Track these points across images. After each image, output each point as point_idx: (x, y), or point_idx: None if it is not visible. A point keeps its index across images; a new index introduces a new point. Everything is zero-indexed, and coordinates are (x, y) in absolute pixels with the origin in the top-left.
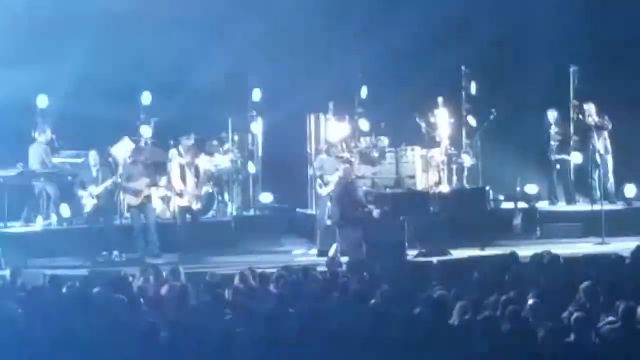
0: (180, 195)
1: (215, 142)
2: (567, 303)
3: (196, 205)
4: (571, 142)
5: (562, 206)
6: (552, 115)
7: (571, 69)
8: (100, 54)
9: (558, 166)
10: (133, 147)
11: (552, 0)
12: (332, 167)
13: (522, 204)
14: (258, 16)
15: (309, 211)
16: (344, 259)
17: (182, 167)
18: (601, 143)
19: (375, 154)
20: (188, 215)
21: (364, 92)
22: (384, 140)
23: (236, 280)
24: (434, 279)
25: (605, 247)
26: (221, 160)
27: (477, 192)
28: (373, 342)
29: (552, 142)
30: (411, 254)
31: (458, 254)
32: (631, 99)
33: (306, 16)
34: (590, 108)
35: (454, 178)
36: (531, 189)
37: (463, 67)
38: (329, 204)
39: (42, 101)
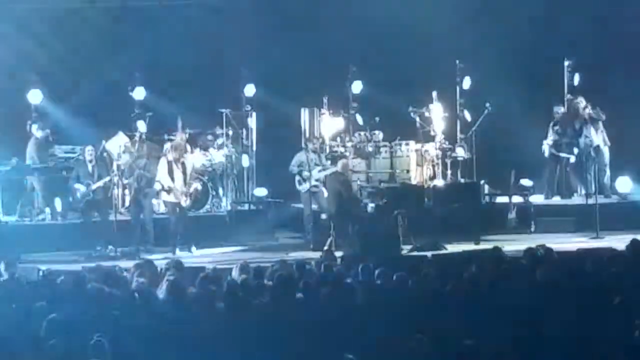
0: (168, 191)
1: (209, 137)
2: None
3: (184, 202)
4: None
5: (556, 200)
6: (557, 111)
7: (566, 63)
8: (96, 50)
9: (552, 162)
10: (127, 141)
11: None
12: (312, 163)
13: (516, 199)
14: (252, 10)
15: (303, 206)
16: (339, 254)
17: (169, 164)
18: (599, 136)
19: (370, 149)
20: (177, 210)
21: (357, 86)
22: (379, 135)
23: (231, 274)
24: (429, 273)
25: (600, 242)
26: (215, 155)
27: (472, 187)
28: (364, 334)
29: (550, 138)
30: (406, 248)
31: (452, 248)
32: (623, 91)
33: (299, 10)
34: (581, 101)
35: (449, 172)
36: (526, 183)
37: (457, 62)
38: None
39: (35, 97)
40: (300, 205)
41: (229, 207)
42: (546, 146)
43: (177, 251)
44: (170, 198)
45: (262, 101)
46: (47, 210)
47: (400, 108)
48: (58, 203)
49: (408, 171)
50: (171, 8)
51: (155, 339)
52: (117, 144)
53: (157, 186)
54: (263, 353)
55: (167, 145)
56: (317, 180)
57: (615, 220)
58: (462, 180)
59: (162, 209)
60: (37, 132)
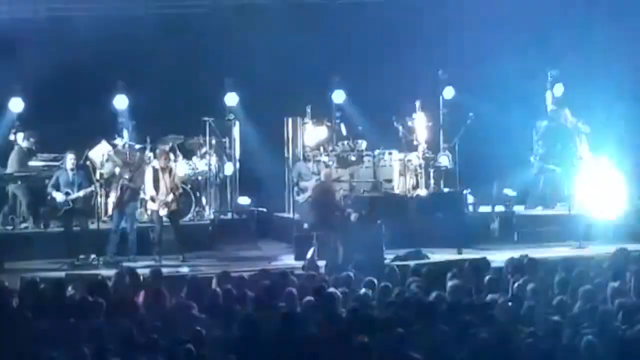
0: (153, 200)
1: (192, 146)
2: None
3: (163, 212)
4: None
5: (539, 210)
6: (541, 125)
7: (549, 73)
8: (79, 55)
9: (539, 174)
10: (110, 149)
11: (532, 2)
12: (309, 173)
13: (499, 208)
14: (236, 19)
15: (286, 215)
16: (321, 263)
17: (155, 172)
18: (583, 147)
19: (353, 158)
20: (164, 219)
21: (339, 96)
22: (362, 144)
23: (213, 283)
24: (412, 282)
25: (583, 251)
26: (198, 164)
27: (455, 196)
28: (348, 345)
29: (538, 150)
30: (388, 257)
31: (435, 257)
32: (608, 103)
33: (284, 20)
34: (567, 113)
35: (432, 182)
36: (509, 192)
37: (440, 72)
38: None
39: (16, 105)
40: (284, 215)
41: (212, 216)
42: (534, 159)
43: (161, 260)
44: (155, 207)
45: (245, 110)
46: (30, 218)
47: (384, 117)
48: (41, 211)
49: (391, 180)
50: (158, 16)
51: (138, 348)
52: (100, 152)
53: (143, 194)
54: None
55: (150, 154)
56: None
57: (598, 230)
58: (445, 190)
59: (145, 217)
60: (22, 141)
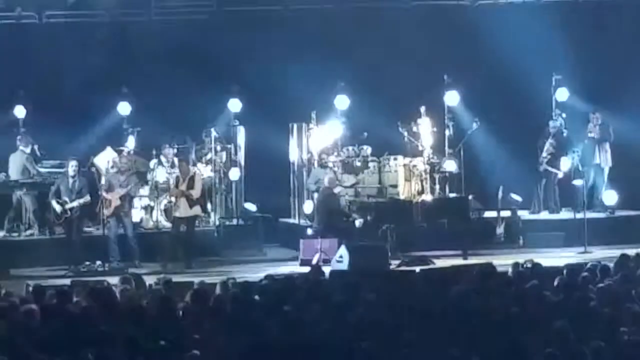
0: (173, 206)
1: (197, 153)
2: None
3: (181, 213)
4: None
5: (544, 215)
6: (553, 125)
7: (554, 78)
8: (84, 61)
9: (544, 179)
10: (115, 156)
11: (536, 9)
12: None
13: (504, 213)
14: (239, 25)
15: (291, 221)
16: (327, 269)
17: (177, 179)
18: (602, 154)
19: (358, 163)
20: (183, 225)
21: (342, 101)
22: (367, 150)
23: (218, 289)
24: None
25: (588, 256)
26: (204, 170)
27: (460, 201)
28: (356, 352)
29: (545, 154)
30: (394, 263)
31: (441, 263)
32: (613, 106)
33: (288, 25)
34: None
35: (437, 187)
36: (515, 197)
37: (445, 77)
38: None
39: (19, 111)
40: (289, 220)
41: (217, 222)
42: (543, 160)
43: (165, 266)
44: (174, 213)
45: (251, 116)
46: (36, 225)
47: (389, 123)
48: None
49: (396, 186)
50: (158, 23)
51: (144, 354)
52: (105, 159)
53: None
54: None
55: (155, 161)
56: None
57: (604, 234)
58: (450, 195)
59: (150, 224)
60: (26, 147)
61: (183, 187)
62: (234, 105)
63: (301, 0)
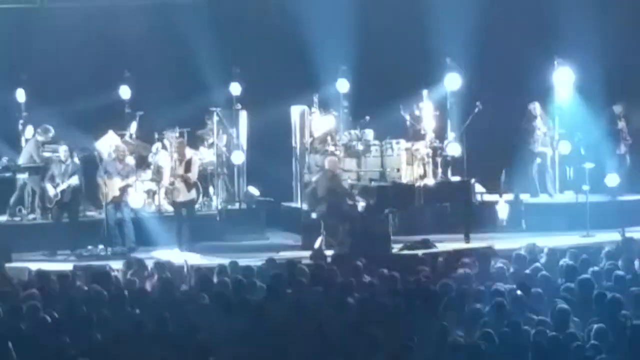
0: (172, 190)
1: (199, 136)
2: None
3: (180, 198)
4: (556, 135)
5: (547, 199)
6: (536, 108)
7: (556, 61)
8: (82, 46)
9: (539, 159)
10: (118, 140)
11: None
12: (313, 166)
13: (507, 197)
14: (242, 9)
15: (294, 205)
16: (329, 252)
17: (176, 162)
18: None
19: (360, 147)
20: (183, 209)
21: (343, 85)
22: (369, 134)
23: (220, 273)
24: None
25: (591, 239)
26: (206, 154)
27: (462, 185)
28: (357, 335)
29: (535, 134)
30: (396, 247)
31: (443, 246)
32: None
33: (289, 8)
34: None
35: (439, 171)
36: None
37: (448, 60)
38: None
39: (20, 95)
40: (291, 204)
41: (219, 207)
42: (536, 140)
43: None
44: (176, 198)
45: (252, 99)
46: (38, 209)
47: (391, 107)
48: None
49: (398, 170)
50: (158, 6)
51: (145, 337)
52: (107, 143)
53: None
54: (255, 351)
55: (158, 145)
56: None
57: (606, 217)
58: (453, 179)
59: (153, 208)
60: (40, 135)
61: (180, 170)
62: (235, 88)
63: None
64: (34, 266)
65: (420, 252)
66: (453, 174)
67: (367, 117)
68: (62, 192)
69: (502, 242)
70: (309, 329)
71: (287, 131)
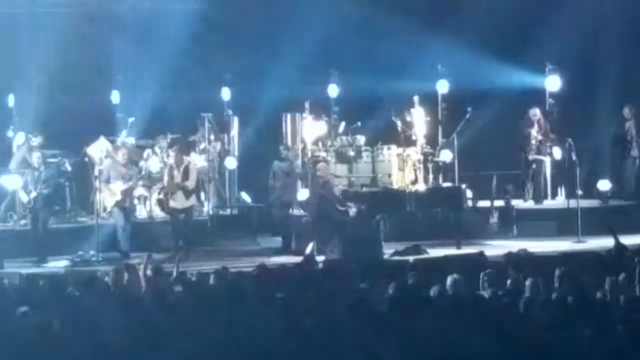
0: (165, 195)
1: (191, 141)
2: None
3: (174, 205)
4: (548, 141)
5: (538, 204)
6: (533, 113)
7: (547, 67)
8: (69, 52)
9: (534, 166)
10: (109, 146)
11: None
12: (280, 173)
13: (498, 203)
14: (234, 14)
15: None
16: (320, 258)
17: (170, 168)
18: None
19: (352, 153)
20: (182, 216)
21: (333, 90)
22: (360, 139)
23: (212, 279)
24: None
25: (582, 245)
26: (198, 160)
27: (454, 191)
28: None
29: (532, 142)
30: (387, 252)
31: (434, 252)
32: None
33: (281, 13)
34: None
35: (430, 176)
36: (509, 186)
37: (439, 66)
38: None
39: (11, 100)
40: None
41: (211, 212)
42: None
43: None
44: (171, 204)
45: (244, 105)
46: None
47: (382, 112)
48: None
49: (390, 175)
50: (160, 12)
51: (137, 343)
52: (98, 149)
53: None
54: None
55: (148, 151)
56: None
57: (598, 223)
58: (444, 185)
59: (144, 214)
60: (32, 140)
61: (178, 178)
62: (226, 94)
63: None
64: (24, 271)
65: (411, 257)
66: (444, 180)
67: (359, 123)
68: (35, 199)
69: (493, 249)
70: (301, 335)
71: (278, 137)
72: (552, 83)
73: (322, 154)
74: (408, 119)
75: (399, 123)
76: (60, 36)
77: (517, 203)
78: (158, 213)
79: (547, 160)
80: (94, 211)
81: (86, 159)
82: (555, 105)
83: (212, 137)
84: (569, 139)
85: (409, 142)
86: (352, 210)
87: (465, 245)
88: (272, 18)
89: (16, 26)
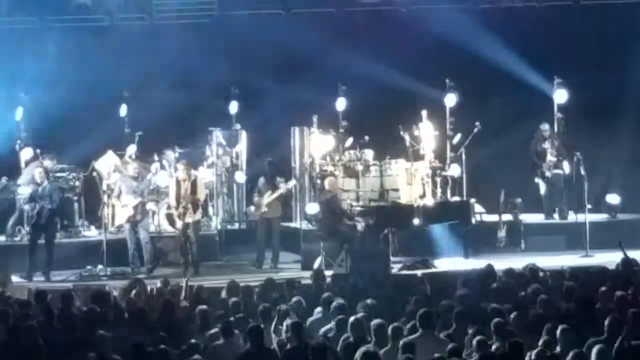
0: (173, 210)
1: (199, 156)
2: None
3: (184, 220)
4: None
5: (546, 219)
6: (545, 129)
7: (555, 81)
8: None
9: (553, 180)
10: (117, 160)
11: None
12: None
13: (506, 217)
14: (240, 28)
15: (293, 225)
16: (328, 272)
17: (177, 183)
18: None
19: (360, 167)
20: (189, 231)
21: (341, 104)
22: (368, 154)
23: (223, 293)
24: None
25: (590, 260)
26: (206, 174)
27: (462, 205)
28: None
29: (548, 157)
30: (395, 267)
31: (443, 266)
32: (611, 107)
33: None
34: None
35: (438, 191)
36: (517, 200)
37: (447, 80)
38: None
39: (19, 113)
40: (290, 224)
41: (219, 226)
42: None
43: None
44: (186, 219)
45: (251, 119)
46: None
47: (390, 127)
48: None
49: (398, 190)
50: (160, 26)
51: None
52: (106, 163)
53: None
54: None
55: (157, 165)
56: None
57: (606, 238)
58: (452, 199)
59: (152, 228)
60: (46, 161)
61: (188, 192)
62: (234, 108)
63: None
64: (33, 286)
65: (419, 272)
66: (452, 194)
67: (367, 137)
68: (38, 213)
69: (501, 263)
70: (308, 350)
71: (287, 151)
72: (560, 96)
73: (330, 168)
74: (416, 133)
75: (407, 137)
76: (66, 48)
77: (525, 217)
78: (167, 227)
79: (560, 173)
80: (102, 225)
81: (94, 174)
82: (563, 119)
83: (220, 151)
84: (577, 153)
85: (417, 156)
86: (360, 225)
87: (474, 260)
88: (280, 31)
89: (24, 40)
